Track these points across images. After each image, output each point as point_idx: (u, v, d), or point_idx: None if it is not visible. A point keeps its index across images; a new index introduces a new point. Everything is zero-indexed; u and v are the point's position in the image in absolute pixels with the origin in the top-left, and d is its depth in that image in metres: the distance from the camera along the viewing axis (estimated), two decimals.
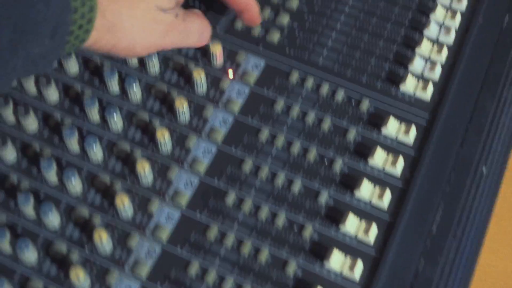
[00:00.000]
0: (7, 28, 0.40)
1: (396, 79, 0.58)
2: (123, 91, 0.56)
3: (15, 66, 0.41)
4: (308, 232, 0.50)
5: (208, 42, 0.56)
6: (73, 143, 0.53)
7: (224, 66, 0.58)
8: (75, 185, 0.51)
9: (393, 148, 0.54)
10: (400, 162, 0.53)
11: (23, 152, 0.53)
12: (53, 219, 0.49)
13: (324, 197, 0.52)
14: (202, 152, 0.54)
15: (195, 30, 0.54)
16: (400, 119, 0.56)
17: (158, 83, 0.57)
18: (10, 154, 0.53)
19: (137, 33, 0.49)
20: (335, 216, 0.51)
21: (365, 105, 0.56)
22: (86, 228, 0.50)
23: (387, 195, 0.52)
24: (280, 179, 0.52)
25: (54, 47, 0.43)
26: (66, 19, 0.43)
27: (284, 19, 0.61)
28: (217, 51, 0.57)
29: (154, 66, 0.56)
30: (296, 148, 0.54)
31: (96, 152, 0.52)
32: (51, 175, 0.51)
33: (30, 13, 0.40)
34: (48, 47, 0.43)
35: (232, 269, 0.49)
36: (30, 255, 0.48)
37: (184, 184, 0.52)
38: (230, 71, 0.57)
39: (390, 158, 0.54)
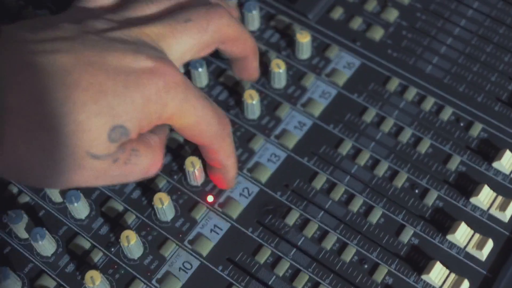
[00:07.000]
0: None
1: None
2: None
3: None
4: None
5: (153, 176, 0.41)
6: None
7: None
8: None
9: (504, 187, 0.44)
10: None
11: None
12: None
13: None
14: None
15: (137, 171, 0.39)
16: None
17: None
18: None
19: (50, 177, 0.37)
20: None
21: (476, 130, 0.46)
22: None
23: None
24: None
25: None
26: None
27: (391, 14, 0.51)
28: (305, 41, 0.48)
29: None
30: (382, 169, 0.44)
31: None
32: None
33: None
34: None
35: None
36: None
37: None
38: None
39: (499, 200, 0.43)
